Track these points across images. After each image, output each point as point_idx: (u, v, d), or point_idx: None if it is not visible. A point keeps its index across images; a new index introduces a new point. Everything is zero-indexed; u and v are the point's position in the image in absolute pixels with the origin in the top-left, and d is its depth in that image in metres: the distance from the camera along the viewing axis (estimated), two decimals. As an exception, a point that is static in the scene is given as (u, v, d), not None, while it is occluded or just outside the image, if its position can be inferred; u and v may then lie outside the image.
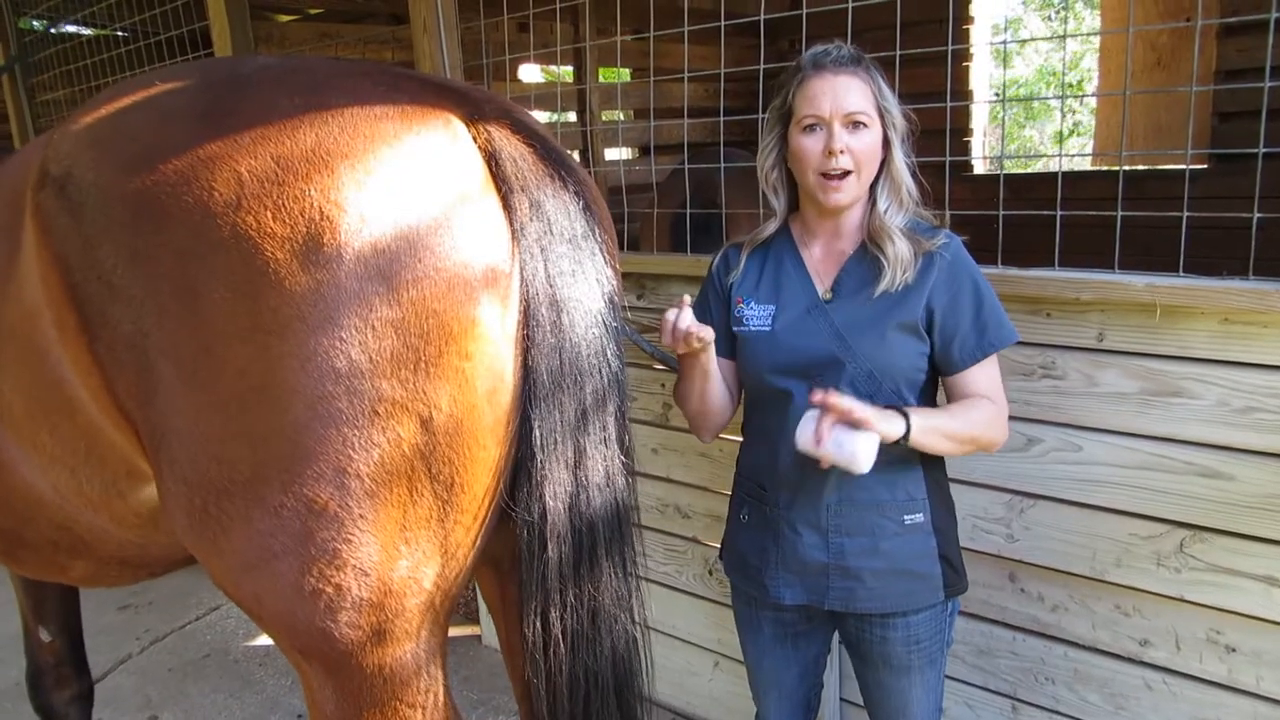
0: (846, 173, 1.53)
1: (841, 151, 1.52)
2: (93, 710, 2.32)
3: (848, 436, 1.42)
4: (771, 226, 1.71)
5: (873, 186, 1.60)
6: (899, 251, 1.55)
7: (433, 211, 1.15)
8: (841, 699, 2.34)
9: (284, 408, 1.09)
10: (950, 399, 1.61)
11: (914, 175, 1.62)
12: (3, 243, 1.31)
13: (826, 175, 1.54)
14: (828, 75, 1.54)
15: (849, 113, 1.52)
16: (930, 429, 1.50)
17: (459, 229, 1.17)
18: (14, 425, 1.35)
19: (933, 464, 1.66)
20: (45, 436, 1.32)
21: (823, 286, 1.63)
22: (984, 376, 1.58)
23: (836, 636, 1.86)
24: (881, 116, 1.56)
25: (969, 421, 1.55)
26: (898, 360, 1.57)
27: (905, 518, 1.61)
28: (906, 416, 1.48)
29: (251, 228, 1.08)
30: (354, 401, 1.09)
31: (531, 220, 1.23)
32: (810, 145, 1.55)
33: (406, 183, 1.15)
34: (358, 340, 1.09)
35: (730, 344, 1.73)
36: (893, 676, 1.67)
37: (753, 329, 1.66)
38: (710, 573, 2.53)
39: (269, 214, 1.08)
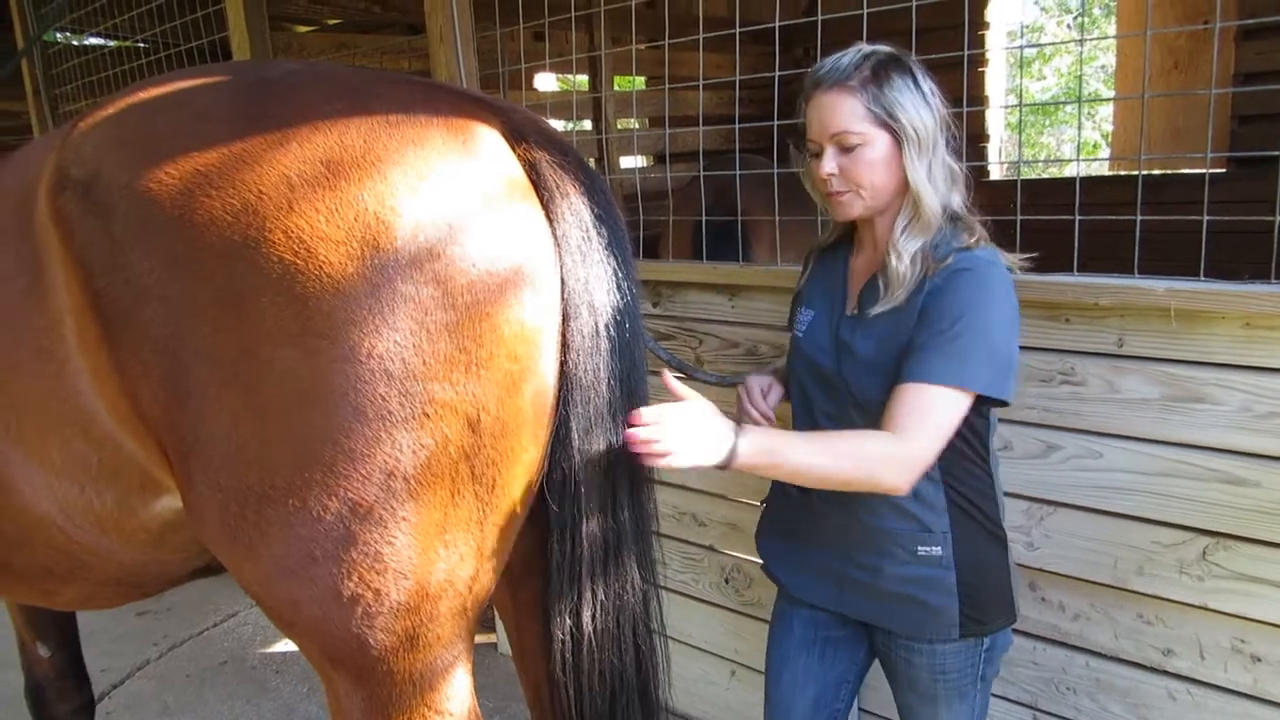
0: (846, 190, 1.51)
1: (831, 175, 1.50)
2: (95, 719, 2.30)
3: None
4: (833, 234, 1.73)
5: None
6: (895, 270, 1.48)
7: (484, 218, 1.17)
8: (860, 709, 2.32)
9: (331, 410, 1.09)
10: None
11: (965, 183, 1.55)
12: (5, 249, 1.28)
13: (831, 193, 1.54)
14: (817, 96, 1.51)
15: (834, 134, 1.48)
16: (768, 451, 1.35)
17: (509, 235, 1.19)
18: (20, 441, 1.31)
19: (965, 494, 1.54)
20: (55, 452, 1.29)
21: (853, 300, 1.61)
22: (910, 400, 1.40)
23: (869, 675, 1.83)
24: (886, 126, 1.46)
25: (837, 455, 1.37)
26: (877, 395, 1.48)
27: (919, 549, 1.53)
28: (736, 438, 1.33)
29: (304, 231, 1.08)
30: (406, 404, 1.10)
31: (573, 228, 1.26)
32: (814, 169, 1.55)
33: (458, 189, 1.16)
34: (413, 344, 1.10)
35: None
36: (919, 702, 1.65)
37: (797, 333, 1.69)
38: (727, 581, 2.53)
39: (322, 218, 1.09)
